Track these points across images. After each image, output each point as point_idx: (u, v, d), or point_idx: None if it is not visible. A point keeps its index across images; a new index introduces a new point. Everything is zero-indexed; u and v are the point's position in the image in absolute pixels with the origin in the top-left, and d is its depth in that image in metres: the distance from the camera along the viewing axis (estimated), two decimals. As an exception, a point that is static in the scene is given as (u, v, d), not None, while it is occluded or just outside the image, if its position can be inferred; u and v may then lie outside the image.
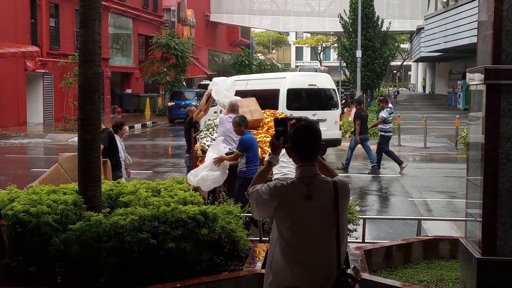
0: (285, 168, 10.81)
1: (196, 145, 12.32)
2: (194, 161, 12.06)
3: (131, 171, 12.30)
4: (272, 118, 12.36)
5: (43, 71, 32.50)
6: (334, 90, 20.16)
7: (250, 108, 12.14)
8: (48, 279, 6.74)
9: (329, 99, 19.94)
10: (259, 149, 11.90)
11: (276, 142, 4.11)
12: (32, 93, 32.49)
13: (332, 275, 3.85)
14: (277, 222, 3.93)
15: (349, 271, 3.85)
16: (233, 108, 11.48)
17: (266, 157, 4.19)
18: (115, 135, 11.17)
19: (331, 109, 19.74)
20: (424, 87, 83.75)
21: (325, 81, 20.36)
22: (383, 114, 18.09)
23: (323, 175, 3.97)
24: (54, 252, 6.50)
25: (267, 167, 4.19)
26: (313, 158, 3.97)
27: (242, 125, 10.51)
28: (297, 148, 3.96)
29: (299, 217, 3.84)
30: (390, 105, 18.60)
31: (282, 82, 19.30)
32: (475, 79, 7.10)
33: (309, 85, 19.52)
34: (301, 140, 3.95)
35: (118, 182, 8.10)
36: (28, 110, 32.27)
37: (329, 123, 19.11)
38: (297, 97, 19.14)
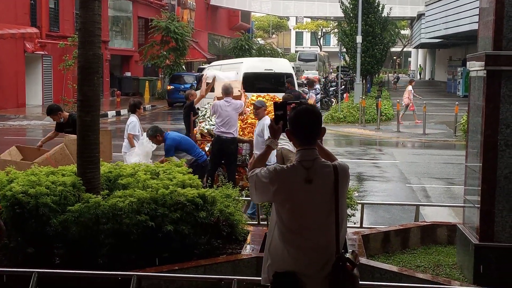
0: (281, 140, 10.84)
1: (195, 128, 12.33)
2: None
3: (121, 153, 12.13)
4: (272, 102, 12.39)
5: (42, 53, 32.40)
6: (291, 74, 20.82)
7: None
8: (46, 260, 6.76)
9: (285, 82, 20.11)
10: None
11: (276, 126, 4.10)
12: (31, 75, 32.41)
13: (331, 259, 3.85)
14: (277, 206, 3.94)
15: (347, 255, 3.85)
16: (227, 91, 11.47)
17: (266, 141, 4.18)
18: (132, 114, 11.02)
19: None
20: (420, 74, 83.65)
21: (282, 66, 21.42)
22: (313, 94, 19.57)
23: (323, 159, 3.97)
24: (53, 233, 6.51)
25: (266, 151, 4.17)
26: (313, 141, 3.96)
27: (156, 134, 9.94)
28: (298, 132, 3.96)
29: (299, 200, 3.84)
30: (317, 86, 19.33)
31: (240, 66, 20.35)
32: (475, 66, 7.08)
33: (265, 69, 20.67)
34: (302, 123, 3.94)
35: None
36: (27, 92, 32.20)
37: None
38: (254, 81, 19.71)
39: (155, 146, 10.09)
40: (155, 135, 9.94)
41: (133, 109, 11.06)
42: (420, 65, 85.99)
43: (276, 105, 4.14)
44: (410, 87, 28.03)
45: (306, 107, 4.00)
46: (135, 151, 10.16)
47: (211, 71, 12.98)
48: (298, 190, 3.85)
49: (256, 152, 10.25)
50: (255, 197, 4.08)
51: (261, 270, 4.07)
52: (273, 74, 20.61)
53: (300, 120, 3.94)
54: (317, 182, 3.86)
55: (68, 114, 10.61)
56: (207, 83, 13.34)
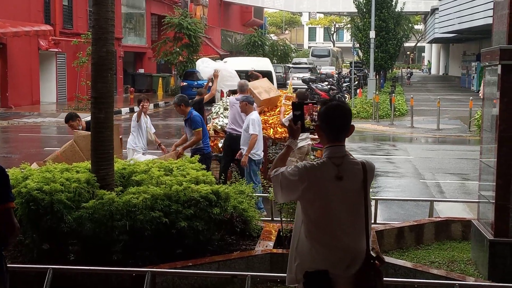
0: (303, 141, 11.04)
1: (209, 125, 12.33)
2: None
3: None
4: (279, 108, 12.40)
5: (56, 50, 32.53)
6: (270, 71, 22.85)
7: (265, 88, 12.20)
8: (61, 256, 6.79)
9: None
10: (271, 129, 11.93)
11: (295, 126, 4.05)
12: (45, 72, 32.55)
13: (358, 256, 3.80)
14: (304, 204, 3.87)
15: (373, 253, 3.82)
16: (242, 88, 11.46)
17: (286, 141, 4.15)
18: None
19: None
20: (429, 69, 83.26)
21: (261, 65, 23.72)
22: None
23: (351, 156, 3.93)
24: (67, 230, 6.54)
25: (287, 151, 4.11)
26: (342, 138, 3.91)
27: (181, 104, 10.45)
28: (327, 128, 3.90)
29: (329, 198, 3.79)
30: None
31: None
32: (489, 60, 7.04)
33: (246, 68, 22.04)
34: (332, 119, 3.89)
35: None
36: (41, 89, 32.35)
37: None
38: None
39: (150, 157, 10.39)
40: (180, 104, 10.43)
41: (138, 105, 11.37)
42: (429, 60, 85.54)
43: (295, 105, 4.10)
44: None
45: (337, 103, 3.96)
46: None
47: (210, 67, 13.11)
48: (329, 187, 3.79)
49: (243, 147, 10.39)
50: (280, 196, 4.00)
51: (287, 270, 4.00)
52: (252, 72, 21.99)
53: (330, 116, 3.88)
54: (347, 179, 3.81)
55: (85, 122, 10.51)
56: (212, 80, 13.52)
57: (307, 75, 39.72)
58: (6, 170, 4.26)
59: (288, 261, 4.00)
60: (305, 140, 11.15)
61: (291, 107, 11.45)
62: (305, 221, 3.86)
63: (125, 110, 30.11)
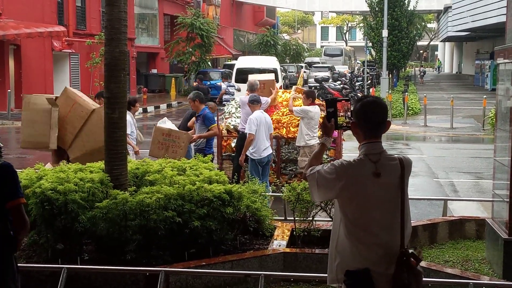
0: (313, 139, 11.10)
1: (221, 124, 12.35)
2: (219, 140, 12.08)
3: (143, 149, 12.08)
4: (285, 98, 12.43)
5: (70, 51, 32.66)
6: (274, 68, 27.83)
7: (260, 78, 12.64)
8: (75, 256, 6.83)
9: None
10: (284, 128, 11.93)
11: (328, 124, 4.01)
12: (58, 73, 32.68)
13: (397, 254, 3.74)
14: (342, 202, 3.83)
15: (411, 250, 3.74)
16: (252, 88, 11.50)
17: (320, 139, 4.11)
18: (128, 112, 11.07)
19: None
20: (439, 68, 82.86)
21: (267, 63, 29.51)
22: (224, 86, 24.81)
23: (388, 152, 3.89)
24: (81, 229, 6.57)
25: (321, 149, 4.06)
26: (379, 134, 3.86)
27: (196, 99, 10.63)
28: (364, 124, 3.84)
29: (367, 195, 3.75)
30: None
31: (236, 63, 31.28)
32: (503, 58, 7.00)
33: (254, 66, 28.25)
34: (369, 116, 3.83)
35: None
36: (54, 89, 32.42)
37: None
38: (244, 74, 23.77)
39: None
40: (195, 99, 10.71)
41: (128, 106, 11.08)
42: (439, 59, 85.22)
43: (328, 102, 4.04)
44: None
45: (373, 99, 3.89)
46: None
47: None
48: (367, 184, 3.75)
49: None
50: (316, 195, 3.94)
51: (327, 269, 3.95)
52: (258, 69, 26.97)
53: (367, 112, 3.83)
54: (385, 176, 3.77)
55: None
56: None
57: (327, 73, 41.10)
58: (21, 170, 4.30)
59: (328, 261, 3.95)
60: (314, 138, 11.16)
61: (301, 96, 11.57)
62: (343, 219, 3.82)
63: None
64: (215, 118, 10.95)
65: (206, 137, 10.70)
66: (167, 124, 10.42)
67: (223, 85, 25.66)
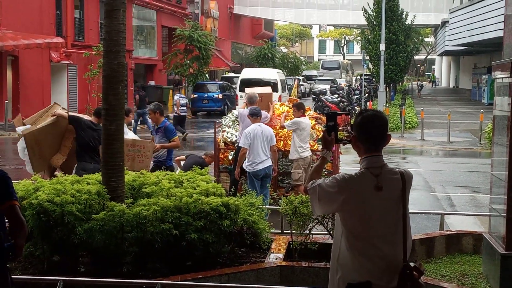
0: (306, 151, 11.24)
1: (219, 137, 12.36)
2: (216, 152, 12.09)
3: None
4: (282, 112, 12.45)
5: (68, 62, 32.67)
6: (275, 79, 31.50)
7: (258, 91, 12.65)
8: (71, 268, 6.81)
9: (271, 86, 28.82)
10: (281, 141, 11.94)
11: (328, 138, 4.02)
12: (56, 84, 32.68)
13: (399, 267, 3.75)
14: (343, 216, 3.84)
15: (412, 264, 3.76)
16: (251, 100, 11.53)
17: (321, 153, 4.12)
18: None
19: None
20: (433, 82, 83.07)
21: (270, 74, 32.65)
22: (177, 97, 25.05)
23: (390, 166, 3.90)
24: (78, 241, 6.55)
25: (322, 162, 4.09)
26: (380, 148, 3.88)
27: (156, 111, 10.50)
28: (365, 138, 3.86)
29: (369, 208, 3.76)
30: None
31: (240, 74, 34.21)
32: (500, 73, 7.03)
33: (256, 77, 31.34)
34: (369, 129, 3.85)
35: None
36: (52, 101, 32.37)
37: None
38: (247, 84, 25.79)
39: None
40: (155, 111, 10.54)
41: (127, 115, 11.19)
42: (432, 73, 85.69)
43: (328, 116, 4.05)
44: None
45: (373, 113, 3.91)
46: None
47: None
48: (369, 198, 3.76)
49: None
50: (318, 209, 3.96)
51: (328, 283, 3.97)
52: (261, 79, 30.41)
53: (367, 126, 3.85)
54: (387, 189, 3.78)
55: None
56: None
57: (328, 86, 44.69)
58: (18, 181, 4.30)
59: (330, 274, 3.95)
60: (307, 150, 11.24)
61: (292, 110, 11.62)
62: (345, 232, 3.82)
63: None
64: (176, 131, 10.78)
65: (168, 147, 10.43)
66: (129, 134, 10.17)
67: (176, 97, 25.73)
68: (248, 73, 33.52)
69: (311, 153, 11.43)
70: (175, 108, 25.09)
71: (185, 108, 25.49)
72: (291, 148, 11.36)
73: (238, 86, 31.97)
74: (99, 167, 8.94)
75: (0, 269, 4.19)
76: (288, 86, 37.11)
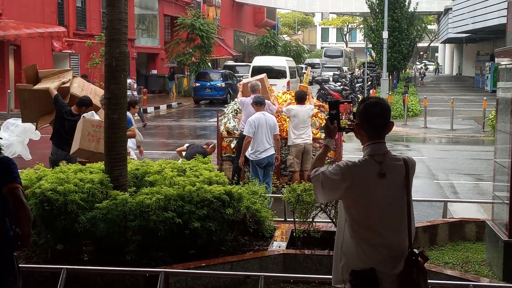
0: (299, 138, 11.33)
1: (221, 125, 12.36)
2: (219, 141, 12.09)
3: (150, 150, 12.19)
4: (285, 99, 12.46)
5: (70, 51, 32.67)
6: (284, 67, 33.75)
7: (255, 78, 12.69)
8: (75, 256, 6.83)
9: (280, 73, 33.16)
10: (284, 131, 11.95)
11: (331, 126, 4.03)
12: (58, 73, 32.67)
13: (403, 254, 3.77)
14: (347, 203, 3.85)
15: (417, 250, 3.77)
16: (253, 89, 11.50)
17: (324, 141, 4.12)
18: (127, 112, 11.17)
19: (280, 78, 32.52)
20: (436, 69, 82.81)
21: (279, 62, 34.91)
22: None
23: (393, 153, 3.90)
24: (81, 230, 6.56)
25: (325, 151, 4.09)
26: (383, 135, 3.87)
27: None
28: (368, 126, 3.86)
29: (372, 195, 3.76)
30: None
31: (252, 62, 36.40)
32: (504, 60, 7.00)
33: (267, 64, 33.53)
34: (372, 117, 3.85)
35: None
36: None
37: (279, 87, 26.61)
38: (259, 71, 26.67)
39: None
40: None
41: (128, 107, 11.17)
42: (437, 61, 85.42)
43: (331, 104, 4.07)
44: None
45: (376, 100, 3.91)
46: None
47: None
48: (372, 185, 3.76)
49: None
50: (321, 196, 3.96)
51: (332, 270, 3.97)
52: (271, 67, 32.80)
53: (370, 113, 3.85)
54: (390, 176, 3.78)
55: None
56: None
57: (337, 73, 45.63)
58: (21, 170, 4.31)
59: (333, 261, 3.96)
60: (300, 137, 11.27)
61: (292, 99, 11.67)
62: (348, 220, 3.83)
63: (138, 111, 30.17)
64: (132, 121, 10.61)
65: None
66: (95, 116, 10.05)
67: (129, 80, 25.63)
68: (259, 60, 35.68)
69: (307, 141, 11.39)
70: (130, 92, 24.69)
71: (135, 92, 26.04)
72: (288, 135, 11.56)
73: (250, 73, 32.77)
74: (63, 157, 9.11)
75: (8, 257, 4.21)
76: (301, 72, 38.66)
